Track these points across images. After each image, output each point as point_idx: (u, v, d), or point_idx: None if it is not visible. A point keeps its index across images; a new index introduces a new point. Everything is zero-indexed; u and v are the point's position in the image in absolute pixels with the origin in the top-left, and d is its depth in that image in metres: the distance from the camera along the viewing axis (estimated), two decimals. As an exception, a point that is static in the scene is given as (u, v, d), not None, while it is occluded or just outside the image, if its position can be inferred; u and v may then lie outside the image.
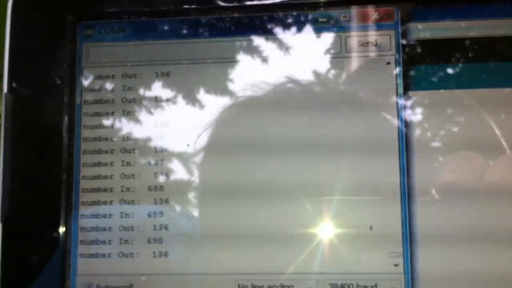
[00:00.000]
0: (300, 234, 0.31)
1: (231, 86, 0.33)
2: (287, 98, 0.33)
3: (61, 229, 0.33)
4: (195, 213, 0.32)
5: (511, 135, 0.30)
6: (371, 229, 0.31)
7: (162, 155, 0.33)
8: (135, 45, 0.34)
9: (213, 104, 0.33)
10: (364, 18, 0.32)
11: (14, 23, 0.34)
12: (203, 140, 0.33)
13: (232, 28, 0.33)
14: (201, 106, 0.33)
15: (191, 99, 0.33)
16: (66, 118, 0.34)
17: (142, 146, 0.33)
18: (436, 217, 0.30)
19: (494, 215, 0.30)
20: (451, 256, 0.30)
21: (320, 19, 0.33)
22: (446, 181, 0.30)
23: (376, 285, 0.30)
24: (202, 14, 0.34)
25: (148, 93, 0.34)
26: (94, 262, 0.33)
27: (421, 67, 0.32)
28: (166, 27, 0.34)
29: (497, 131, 0.30)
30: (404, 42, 0.32)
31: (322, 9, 0.33)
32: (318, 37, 0.33)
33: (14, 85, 0.33)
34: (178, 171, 0.33)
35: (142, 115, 0.34)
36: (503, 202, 0.30)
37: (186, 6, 0.34)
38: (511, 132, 0.31)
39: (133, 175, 0.33)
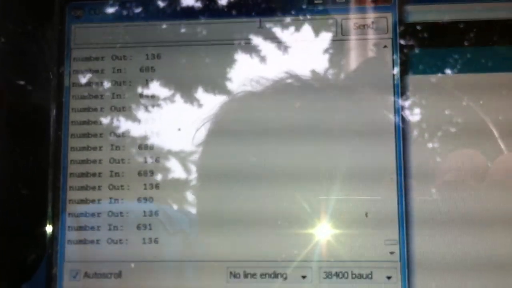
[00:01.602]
0: (294, 221, 0.31)
1: (223, 69, 0.32)
2: (281, 82, 0.32)
3: (48, 215, 0.32)
4: (186, 199, 0.32)
5: (510, 119, 0.30)
6: (366, 216, 0.30)
7: (152, 139, 0.32)
8: (125, 26, 0.33)
9: (205, 88, 0.32)
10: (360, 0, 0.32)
11: (0, 3, 0.33)
12: (195, 124, 0.32)
13: (225, 10, 0.33)
14: (193, 90, 0.32)
15: (183, 82, 0.32)
16: (54, 101, 0.33)
17: (131, 130, 0.32)
18: (433, 204, 0.30)
19: (492, 200, 0.29)
20: (447, 244, 0.29)
21: (316, 1, 0.32)
22: (443, 166, 0.30)
23: (371, 273, 0.30)
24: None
25: (138, 76, 0.33)
26: (82, 249, 0.32)
27: (419, 50, 0.31)
28: (156, 8, 0.33)
29: (495, 116, 0.30)
30: (401, 25, 0.31)
31: (317, -10, 0.32)
32: (313, 19, 0.32)
33: None
34: (169, 156, 0.32)
35: (132, 98, 0.33)
36: (503, 188, 0.29)
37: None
38: (509, 117, 0.30)
39: (122, 159, 0.32)
